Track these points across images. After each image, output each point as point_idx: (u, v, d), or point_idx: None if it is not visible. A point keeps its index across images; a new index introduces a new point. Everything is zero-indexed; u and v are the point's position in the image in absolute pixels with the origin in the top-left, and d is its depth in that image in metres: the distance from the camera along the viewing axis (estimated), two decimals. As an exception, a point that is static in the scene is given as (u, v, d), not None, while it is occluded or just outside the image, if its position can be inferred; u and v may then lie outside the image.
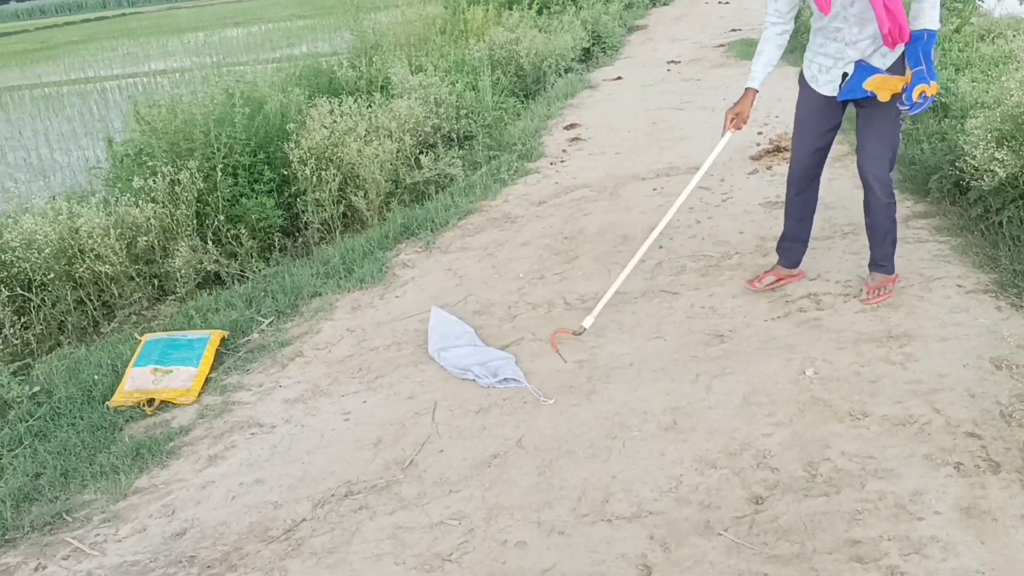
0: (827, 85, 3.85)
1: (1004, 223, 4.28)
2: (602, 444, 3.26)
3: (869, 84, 3.65)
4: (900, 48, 3.64)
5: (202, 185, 5.84)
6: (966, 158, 4.41)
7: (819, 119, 3.96)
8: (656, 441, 3.22)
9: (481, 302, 4.71)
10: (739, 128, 4.00)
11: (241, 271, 5.74)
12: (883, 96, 3.63)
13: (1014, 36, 6.85)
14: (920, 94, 3.52)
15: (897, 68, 3.65)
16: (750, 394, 3.42)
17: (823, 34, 3.81)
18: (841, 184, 5.73)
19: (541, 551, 2.74)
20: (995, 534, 2.50)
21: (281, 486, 3.30)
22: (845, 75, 3.76)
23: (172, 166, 5.79)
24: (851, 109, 3.91)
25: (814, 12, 3.75)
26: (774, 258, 4.52)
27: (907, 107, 3.58)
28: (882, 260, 4.04)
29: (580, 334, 4.05)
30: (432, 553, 2.80)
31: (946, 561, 2.42)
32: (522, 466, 3.20)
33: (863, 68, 3.69)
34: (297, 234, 6.48)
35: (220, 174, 5.96)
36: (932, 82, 3.51)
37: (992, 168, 4.12)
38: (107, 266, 5.26)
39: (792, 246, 4.30)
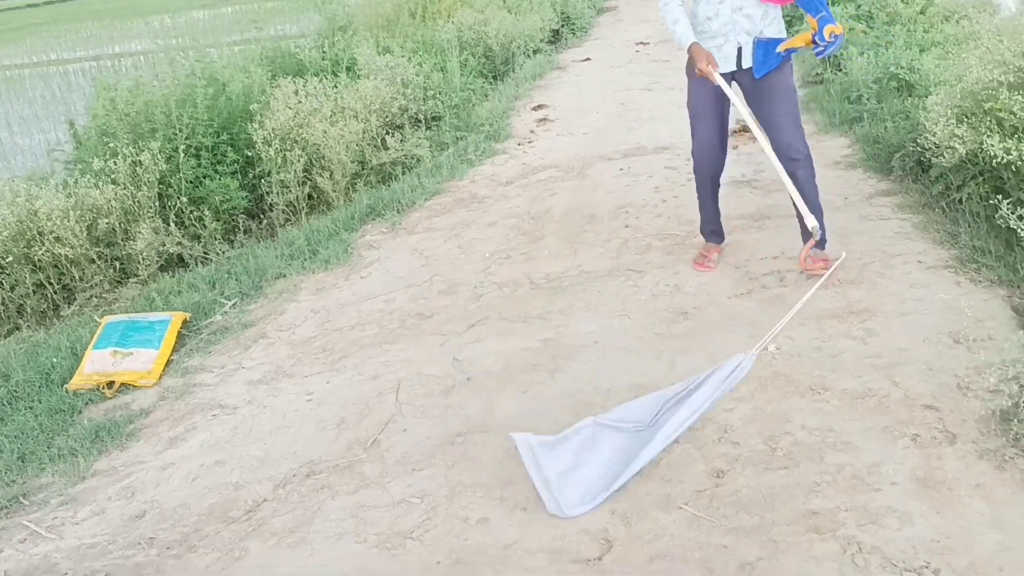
0: (723, 62, 3.91)
1: (964, 200, 4.32)
2: (566, 422, 3.23)
3: (783, 47, 3.80)
4: (781, 8, 3.83)
5: (164, 166, 5.75)
6: (927, 135, 4.43)
7: (717, 100, 4.00)
8: (619, 418, 3.22)
9: (447, 282, 4.68)
10: (716, 67, 3.86)
11: (204, 253, 5.67)
12: (799, 43, 3.79)
13: (978, 16, 6.90)
14: (831, 33, 3.67)
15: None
16: (713, 370, 3.42)
17: (707, 7, 3.87)
18: (806, 163, 5.75)
19: (503, 527, 2.74)
20: (950, 504, 2.52)
21: (242, 467, 3.27)
22: (740, 50, 3.88)
23: (134, 147, 5.70)
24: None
25: None
26: (742, 236, 4.56)
27: (822, 48, 3.72)
28: (821, 224, 4.05)
29: (818, 236, 3.89)
30: (394, 531, 2.79)
31: (902, 531, 2.45)
32: (486, 444, 3.19)
33: (763, 43, 3.83)
34: (262, 216, 6.41)
35: (183, 155, 5.88)
36: (837, 23, 3.70)
37: (952, 145, 4.14)
38: (67, 249, 5.17)
39: (716, 227, 4.42)
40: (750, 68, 3.92)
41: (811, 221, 3.83)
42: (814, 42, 3.74)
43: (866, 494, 2.62)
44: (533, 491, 2.87)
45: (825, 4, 3.72)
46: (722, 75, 3.89)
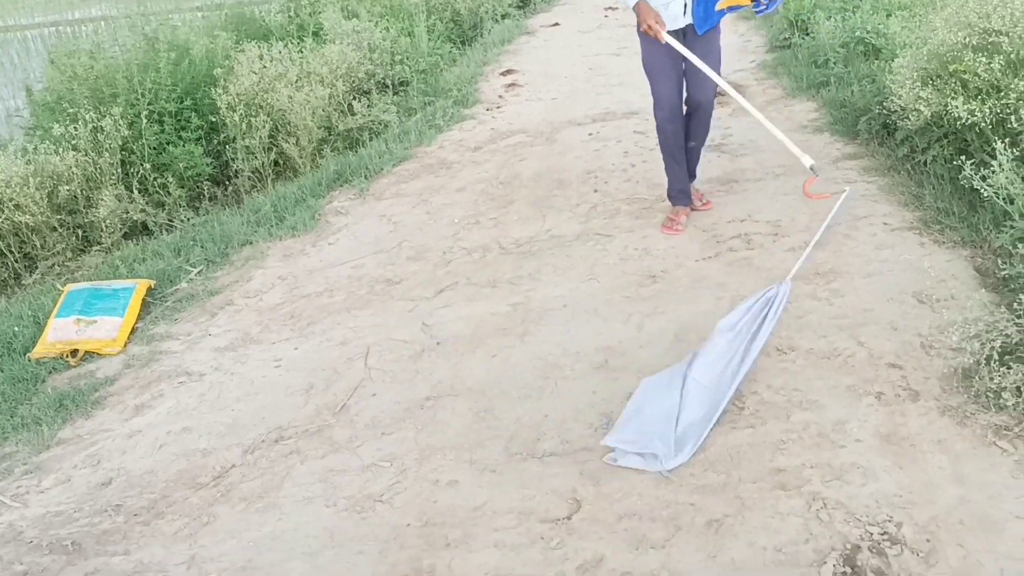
0: (672, 20, 3.96)
1: (929, 162, 4.35)
2: (535, 384, 3.26)
3: (723, 4, 3.86)
4: None
5: (127, 132, 5.65)
6: (893, 98, 4.45)
7: (671, 57, 4.05)
8: (588, 380, 3.23)
9: (415, 248, 4.66)
10: (663, 25, 3.92)
11: (169, 220, 5.59)
12: (740, 1, 3.88)
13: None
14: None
15: None
16: (680, 332, 3.44)
17: None
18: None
19: (472, 489, 2.75)
20: (913, 459, 2.56)
21: (210, 434, 3.25)
22: (685, 5, 3.93)
23: (95, 112, 5.59)
24: None
25: None
26: (710, 199, 4.58)
27: (763, 6, 3.84)
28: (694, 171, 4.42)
29: (816, 172, 4.03)
30: (363, 495, 2.79)
31: (865, 486, 2.48)
32: (455, 408, 3.19)
33: (704, 0, 3.90)
34: (227, 182, 6.33)
35: (145, 121, 5.78)
36: None
37: (918, 107, 4.16)
38: (27, 216, 5.08)
39: (684, 187, 4.44)
40: (691, 25, 4.00)
41: (807, 160, 3.94)
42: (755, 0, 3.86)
43: (831, 451, 2.65)
44: (503, 452, 2.88)
45: None
46: (670, 33, 3.94)
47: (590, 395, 3.13)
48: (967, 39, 4.00)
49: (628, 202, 4.84)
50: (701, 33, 4.01)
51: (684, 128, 4.29)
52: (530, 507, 2.63)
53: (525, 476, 2.77)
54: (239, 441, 3.18)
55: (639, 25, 3.99)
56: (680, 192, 4.45)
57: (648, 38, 4.01)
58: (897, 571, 2.18)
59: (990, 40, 3.91)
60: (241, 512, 2.80)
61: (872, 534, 2.31)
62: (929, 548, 2.24)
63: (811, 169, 3.95)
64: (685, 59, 4.01)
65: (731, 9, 3.93)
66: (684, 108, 4.27)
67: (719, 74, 4.06)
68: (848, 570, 2.21)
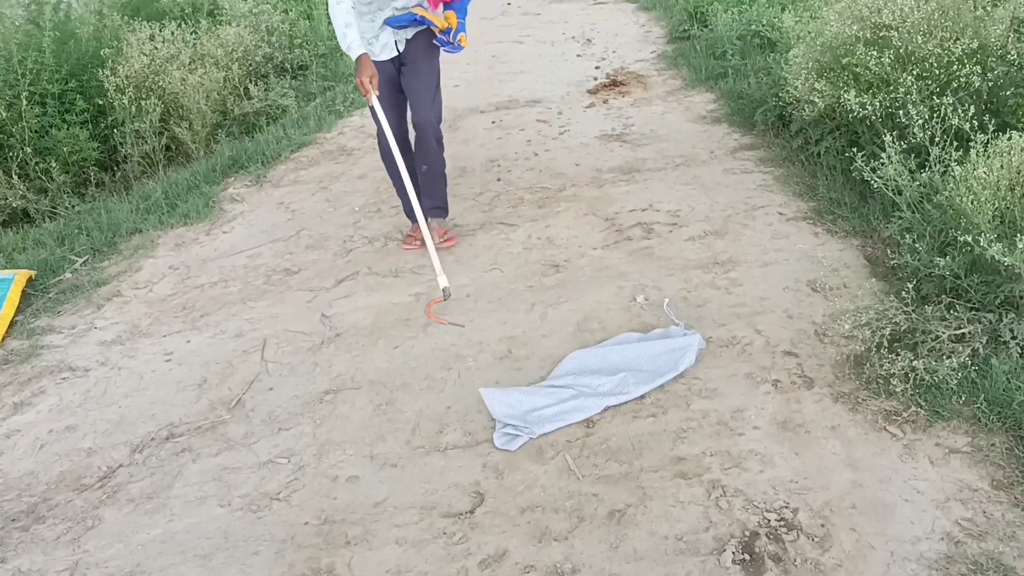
0: (384, 50, 3.92)
1: (822, 154, 4.47)
2: (437, 376, 3.21)
3: (424, 13, 3.87)
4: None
5: (4, 115, 5.34)
6: (789, 88, 4.54)
7: (391, 87, 3.99)
8: (491, 370, 3.21)
9: (315, 237, 4.54)
10: (368, 94, 3.78)
11: (52, 207, 5.31)
12: (437, 21, 3.89)
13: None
14: (458, 41, 3.94)
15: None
16: (583, 321, 3.45)
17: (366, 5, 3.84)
18: (674, 117, 5.85)
19: (373, 484, 2.69)
20: (808, 445, 2.62)
21: (95, 432, 3.09)
22: (396, 41, 3.93)
23: (-33, 93, 5.27)
24: None
25: None
26: (611, 189, 4.60)
27: (448, 46, 3.96)
28: (441, 203, 4.26)
29: (447, 296, 3.72)
30: (259, 493, 2.70)
31: (763, 472, 2.53)
32: (355, 401, 3.12)
33: (397, 19, 3.89)
34: (115, 168, 6.04)
35: (25, 103, 5.47)
36: (464, 34, 3.98)
37: (812, 99, 4.26)
38: None
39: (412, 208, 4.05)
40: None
41: (443, 280, 3.75)
42: (444, 33, 3.93)
43: (730, 439, 2.69)
44: (405, 446, 2.83)
45: (465, 12, 3.99)
46: (385, 63, 3.91)
47: (493, 386, 3.10)
48: (860, 32, 4.11)
49: (531, 191, 4.83)
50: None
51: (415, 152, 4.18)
52: (432, 501, 2.58)
53: (427, 470, 2.72)
54: (127, 439, 3.03)
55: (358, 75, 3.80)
56: (412, 212, 4.19)
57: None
58: (793, 556, 2.22)
59: (880, 35, 4.02)
60: (129, 514, 2.67)
61: (769, 520, 2.34)
62: (823, 533, 2.29)
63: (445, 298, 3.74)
64: (406, 85, 4.00)
65: (425, 22, 3.91)
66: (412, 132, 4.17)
67: (434, 96, 4.01)
68: (747, 557, 2.24)
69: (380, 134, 3.96)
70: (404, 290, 3.88)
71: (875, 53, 3.88)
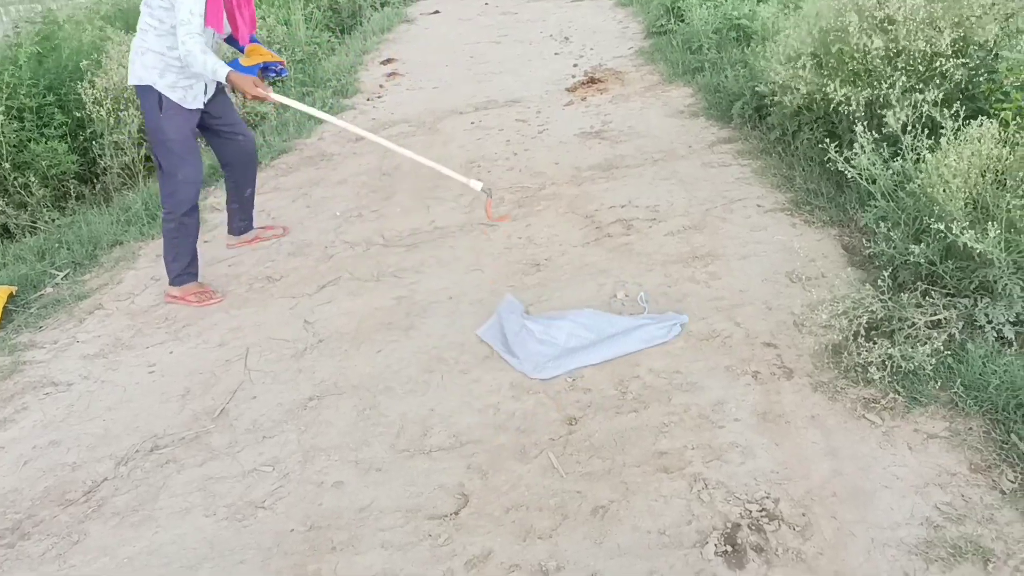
0: (196, 99, 3.93)
1: (799, 145, 4.49)
2: (420, 379, 3.22)
3: (250, 62, 3.99)
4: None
5: (-19, 130, 5.33)
6: (771, 73, 4.52)
7: (194, 132, 4.01)
8: (474, 371, 3.22)
9: (296, 243, 4.55)
10: (267, 96, 3.82)
11: (32, 222, 5.30)
12: (266, 57, 4.05)
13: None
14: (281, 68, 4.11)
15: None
16: (565, 320, 3.46)
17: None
18: (652, 113, 5.87)
19: (359, 489, 2.69)
20: (788, 435, 2.64)
21: (80, 446, 3.09)
22: (206, 86, 3.98)
23: (-57, 109, 5.25)
24: None
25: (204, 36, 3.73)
26: (591, 187, 4.61)
27: (274, 76, 4.11)
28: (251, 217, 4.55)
29: (490, 193, 4.06)
30: (244, 502, 2.70)
31: (744, 464, 2.54)
32: (339, 407, 3.12)
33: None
34: (95, 180, 6.04)
35: (3, 117, 5.45)
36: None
37: (795, 85, 4.26)
38: None
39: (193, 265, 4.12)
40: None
41: (476, 184, 3.98)
42: (271, 69, 4.06)
43: (711, 431, 2.71)
44: (390, 450, 2.84)
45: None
46: (197, 112, 3.95)
47: (476, 386, 3.11)
48: (859, 23, 4.09)
49: (511, 191, 4.84)
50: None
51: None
52: (417, 504, 2.59)
53: (412, 473, 2.73)
54: (111, 452, 3.03)
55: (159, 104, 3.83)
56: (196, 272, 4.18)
57: (175, 111, 3.84)
58: (775, 546, 2.24)
59: (884, 27, 4.00)
60: (114, 527, 2.67)
61: (751, 512, 2.36)
62: (805, 522, 2.31)
63: (487, 192, 4.02)
64: (226, 118, 4.18)
65: (261, 67, 4.02)
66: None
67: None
68: (729, 548, 2.26)
69: (188, 179, 3.94)
70: (386, 294, 3.88)
71: (869, 43, 3.85)
